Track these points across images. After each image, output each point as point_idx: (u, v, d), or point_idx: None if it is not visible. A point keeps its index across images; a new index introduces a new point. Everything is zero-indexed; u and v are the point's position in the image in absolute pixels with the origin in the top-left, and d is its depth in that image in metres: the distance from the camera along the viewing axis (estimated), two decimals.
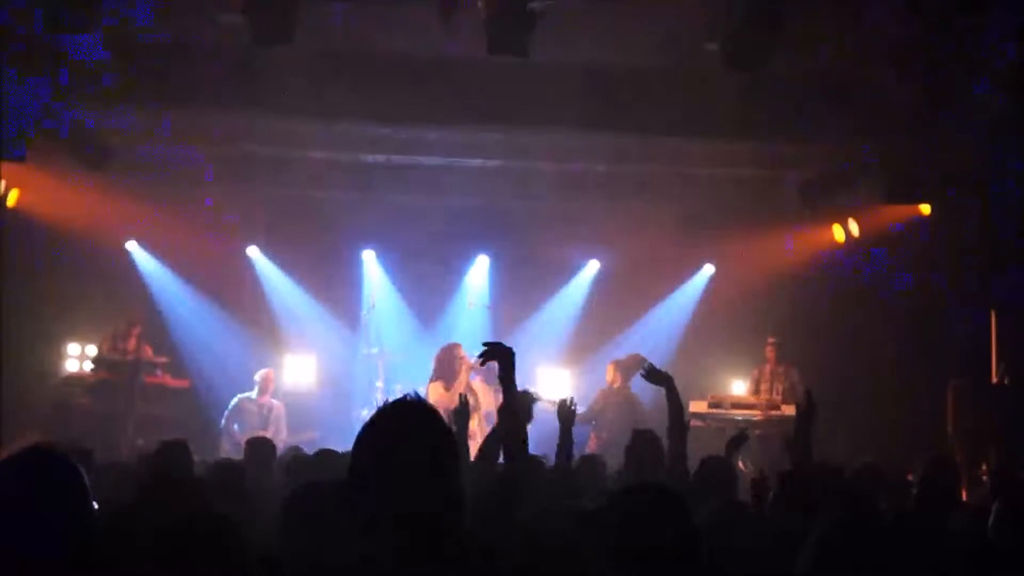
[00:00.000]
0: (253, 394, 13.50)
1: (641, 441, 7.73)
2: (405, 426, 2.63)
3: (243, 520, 5.74)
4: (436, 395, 12.08)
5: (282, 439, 12.86)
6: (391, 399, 2.72)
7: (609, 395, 12.87)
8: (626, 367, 13.03)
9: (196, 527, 3.75)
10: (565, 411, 7.62)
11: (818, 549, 3.78)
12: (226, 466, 6.52)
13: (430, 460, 2.61)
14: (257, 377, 13.64)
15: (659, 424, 7.95)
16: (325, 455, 7.20)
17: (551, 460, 7.75)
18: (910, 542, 4.84)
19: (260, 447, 8.33)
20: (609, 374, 13.11)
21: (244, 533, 3.86)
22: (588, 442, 12.65)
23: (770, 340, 14.29)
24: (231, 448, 12.83)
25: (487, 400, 12.34)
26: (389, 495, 2.55)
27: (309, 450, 9.69)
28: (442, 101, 12.34)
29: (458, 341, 13.43)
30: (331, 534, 4.35)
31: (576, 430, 7.79)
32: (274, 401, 13.62)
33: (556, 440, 7.51)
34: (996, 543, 4.51)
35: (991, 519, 4.54)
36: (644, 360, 13.01)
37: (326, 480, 4.98)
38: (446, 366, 12.03)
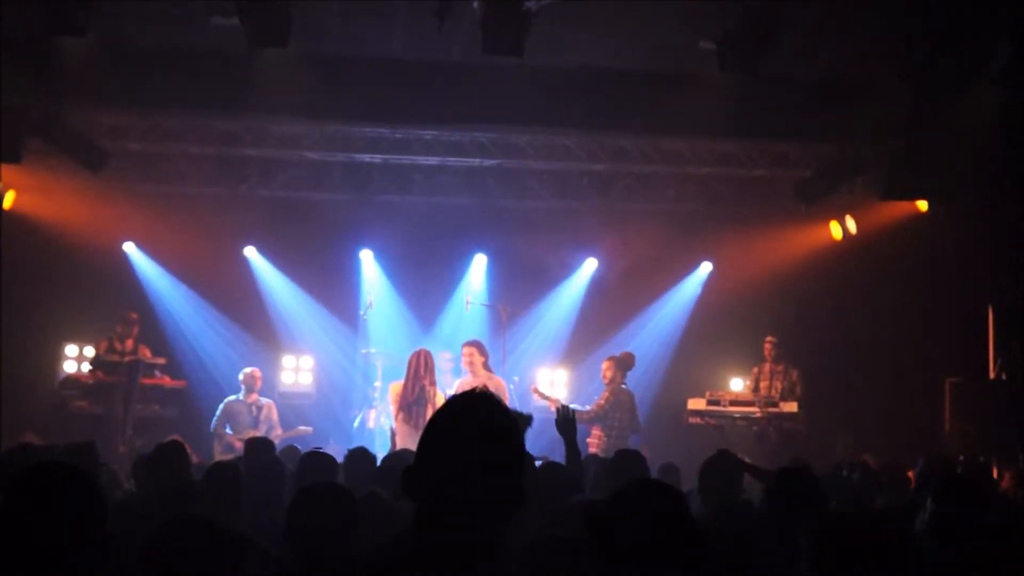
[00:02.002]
0: (241, 395, 13.45)
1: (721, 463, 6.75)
2: (479, 418, 2.61)
3: (240, 520, 5.80)
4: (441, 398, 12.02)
5: (276, 436, 12.85)
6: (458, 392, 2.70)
7: (619, 394, 12.72)
8: (623, 364, 12.94)
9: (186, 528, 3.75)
10: (566, 423, 7.10)
11: (816, 546, 3.79)
12: (222, 467, 6.49)
13: (501, 453, 2.60)
14: (241, 376, 13.57)
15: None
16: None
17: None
18: (908, 538, 4.85)
19: (259, 447, 8.30)
20: (608, 371, 12.92)
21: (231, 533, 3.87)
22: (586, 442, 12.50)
23: (768, 339, 14.29)
24: (223, 450, 12.81)
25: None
26: (458, 485, 2.54)
27: (304, 446, 9.71)
28: (438, 102, 12.37)
29: (445, 344, 13.48)
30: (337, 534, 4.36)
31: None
32: (263, 399, 13.55)
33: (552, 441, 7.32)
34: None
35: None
36: (634, 359, 13.03)
37: (328, 483, 5.00)
38: (431, 371, 11.96)
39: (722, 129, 12.75)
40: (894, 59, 10.98)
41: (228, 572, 3.73)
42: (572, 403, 12.64)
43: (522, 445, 2.66)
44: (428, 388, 11.64)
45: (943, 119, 11.57)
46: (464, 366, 12.47)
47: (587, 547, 3.45)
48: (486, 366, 12.32)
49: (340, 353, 15.65)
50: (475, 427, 2.59)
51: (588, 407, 12.50)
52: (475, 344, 12.54)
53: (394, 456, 7.90)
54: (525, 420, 7.02)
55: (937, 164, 12.57)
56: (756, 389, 14.19)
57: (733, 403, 13.68)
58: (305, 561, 4.35)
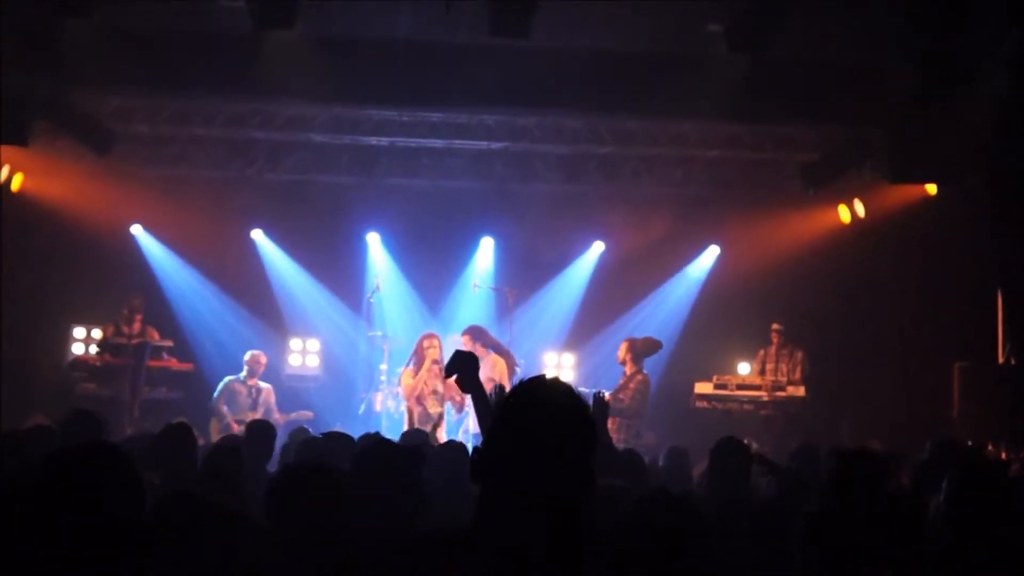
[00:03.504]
0: (242, 376, 13.49)
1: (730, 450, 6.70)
2: (550, 405, 2.58)
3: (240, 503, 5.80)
4: (405, 380, 12.12)
5: (274, 419, 12.89)
6: (529, 376, 2.68)
7: (647, 384, 12.53)
8: (637, 351, 12.82)
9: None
10: (601, 406, 6.76)
11: (818, 528, 3.78)
12: (224, 450, 6.48)
13: (572, 442, 2.57)
14: (247, 357, 13.63)
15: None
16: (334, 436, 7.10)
17: None
18: (915, 523, 4.84)
19: (260, 430, 8.28)
20: (621, 353, 12.80)
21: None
22: None
23: (774, 327, 14.26)
24: (222, 429, 12.81)
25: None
26: (527, 473, 2.51)
27: (312, 430, 9.73)
28: (445, 84, 12.34)
29: (451, 327, 13.46)
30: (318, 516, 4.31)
31: None
32: (262, 384, 13.58)
33: None
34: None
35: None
36: (661, 346, 12.95)
37: (311, 462, 4.94)
38: (417, 354, 12.11)
39: (729, 112, 12.69)
40: (902, 41, 10.91)
41: (221, 546, 3.72)
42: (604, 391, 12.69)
43: (594, 430, 2.63)
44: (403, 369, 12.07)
45: (952, 102, 11.51)
46: None
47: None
48: (489, 347, 12.33)
49: (347, 336, 15.66)
50: (546, 412, 2.57)
51: (624, 399, 12.37)
52: (466, 332, 12.58)
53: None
54: (602, 406, 6.92)
55: (945, 147, 12.52)
56: (762, 372, 14.17)
57: (740, 387, 13.65)
58: (291, 540, 4.29)
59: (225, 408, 13.20)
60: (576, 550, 2.53)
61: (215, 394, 13.34)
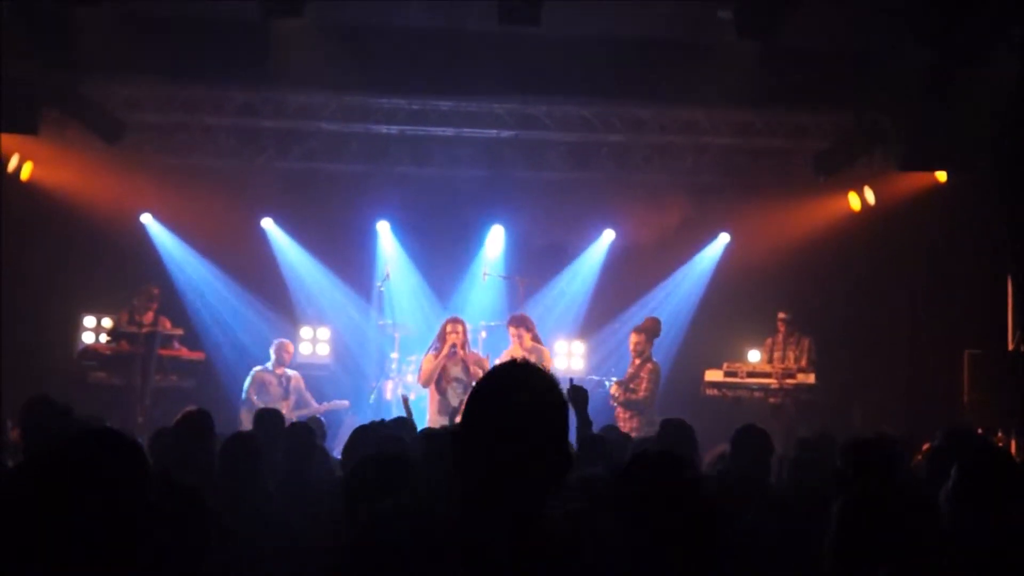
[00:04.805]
0: (270, 365, 13.52)
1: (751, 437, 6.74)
2: (523, 385, 2.59)
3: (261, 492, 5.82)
4: (424, 364, 12.02)
5: (314, 409, 12.94)
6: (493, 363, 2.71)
7: (657, 372, 12.50)
8: (652, 333, 12.81)
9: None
10: (579, 393, 6.94)
11: (839, 519, 3.79)
12: (240, 441, 6.46)
13: (545, 420, 2.58)
14: (273, 347, 13.66)
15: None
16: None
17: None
18: (928, 511, 4.84)
19: (270, 419, 8.27)
20: (639, 344, 12.73)
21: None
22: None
23: (780, 316, 14.24)
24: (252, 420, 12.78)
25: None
26: (501, 453, 2.53)
27: (334, 419, 9.76)
28: (455, 72, 12.33)
29: (461, 315, 13.40)
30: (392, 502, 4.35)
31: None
32: (289, 371, 13.64)
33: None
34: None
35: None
36: (660, 324, 12.98)
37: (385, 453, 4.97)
38: (440, 339, 11.99)
39: (740, 99, 12.67)
40: (913, 27, 10.88)
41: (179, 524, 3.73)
42: (610, 382, 12.72)
43: (565, 412, 2.63)
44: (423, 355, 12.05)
45: (962, 89, 11.48)
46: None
47: (590, 520, 3.45)
48: (535, 339, 12.28)
49: (357, 325, 15.67)
50: (518, 396, 2.57)
51: (638, 389, 12.35)
52: (511, 323, 12.43)
53: None
54: (581, 392, 6.99)
55: (956, 134, 12.49)
56: (770, 361, 14.16)
57: (750, 374, 13.63)
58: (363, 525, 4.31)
59: (255, 398, 13.16)
60: (546, 538, 2.54)
61: (245, 384, 13.33)
